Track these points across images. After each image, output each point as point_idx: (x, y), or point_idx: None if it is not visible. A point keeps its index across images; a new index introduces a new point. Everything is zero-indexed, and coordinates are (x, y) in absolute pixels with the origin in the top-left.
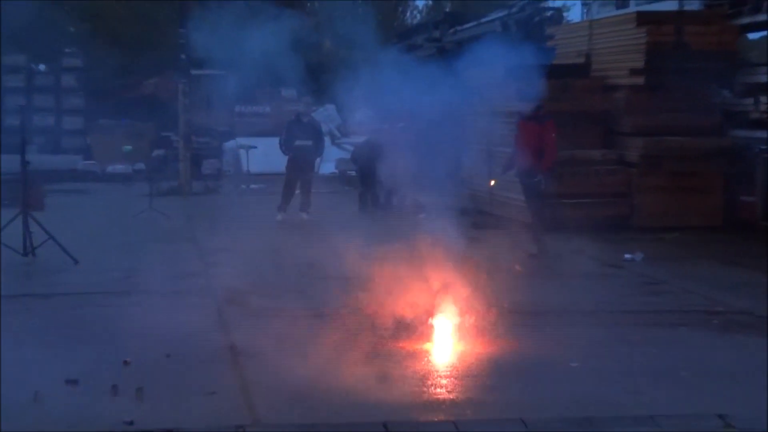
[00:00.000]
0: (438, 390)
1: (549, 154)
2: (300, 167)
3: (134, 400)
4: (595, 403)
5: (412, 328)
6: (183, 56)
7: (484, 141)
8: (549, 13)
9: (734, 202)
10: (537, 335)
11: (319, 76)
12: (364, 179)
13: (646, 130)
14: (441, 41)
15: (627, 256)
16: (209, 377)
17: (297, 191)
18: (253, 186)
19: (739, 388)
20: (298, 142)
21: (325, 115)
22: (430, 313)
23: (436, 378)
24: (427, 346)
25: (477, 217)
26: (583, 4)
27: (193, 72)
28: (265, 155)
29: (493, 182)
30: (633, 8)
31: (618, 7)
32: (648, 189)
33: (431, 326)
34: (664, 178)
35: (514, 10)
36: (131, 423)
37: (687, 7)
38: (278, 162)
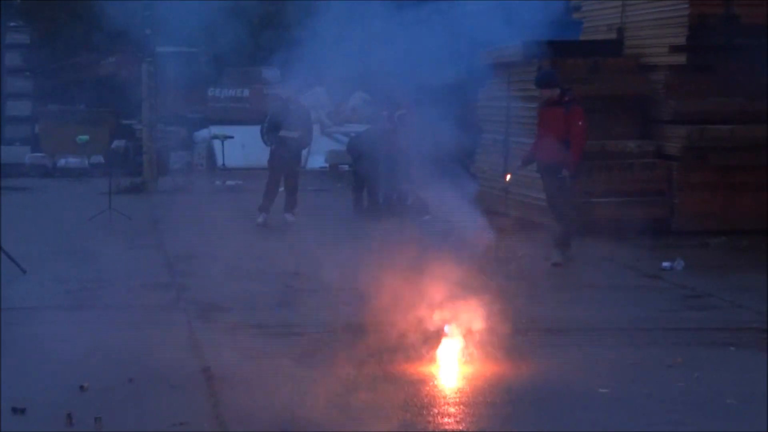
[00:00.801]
0: (445, 420)
1: (576, 145)
2: (284, 161)
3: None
4: None
5: (414, 348)
6: (148, 31)
7: (500, 130)
8: None
9: None
10: (560, 357)
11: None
12: (361, 175)
13: (689, 118)
14: None
15: (666, 264)
16: (178, 405)
17: (281, 189)
18: (229, 182)
19: None
20: (282, 133)
21: (313, 99)
22: (436, 332)
23: (443, 406)
24: (432, 368)
25: (491, 220)
26: None
27: (159, 49)
28: (242, 147)
29: (508, 177)
30: None
31: None
32: (691, 186)
33: (437, 346)
34: (710, 173)
35: None
36: None
37: None
38: (258, 155)
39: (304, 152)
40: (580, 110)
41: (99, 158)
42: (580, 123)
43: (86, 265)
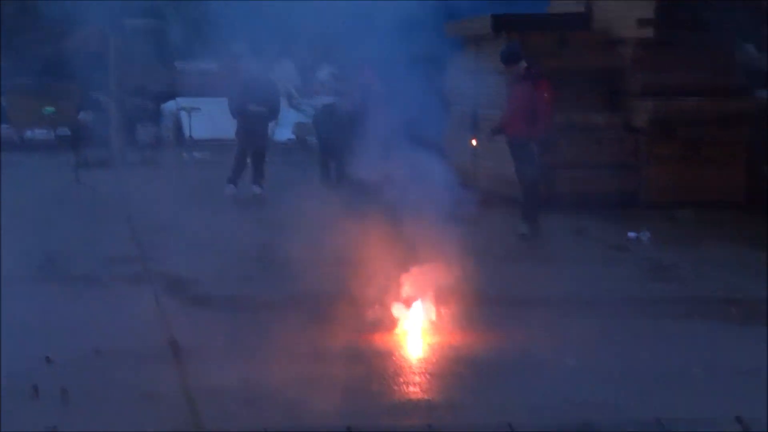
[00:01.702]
0: (411, 390)
1: (543, 118)
2: (252, 134)
3: (57, 404)
4: (595, 406)
5: (381, 320)
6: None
7: (469, 102)
8: None
9: (757, 175)
10: (527, 328)
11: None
12: (327, 147)
13: (657, 91)
14: None
15: (631, 234)
16: (145, 377)
17: (249, 161)
18: (196, 154)
19: (760, 387)
20: (250, 106)
21: (281, 73)
22: (402, 303)
23: (409, 376)
24: (399, 339)
25: (459, 192)
26: None
27: (126, 21)
28: (210, 119)
29: (474, 142)
30: None
31: None
32: (658, 159)
33: (403, 317)
34: (677, 146)
35: None
36: (54, 429)
37: None
38: (226, 127)
39: (271, 125)
40: (546, 83)
41: (65, 130)
42: (546, 96)
43: (53, 238)
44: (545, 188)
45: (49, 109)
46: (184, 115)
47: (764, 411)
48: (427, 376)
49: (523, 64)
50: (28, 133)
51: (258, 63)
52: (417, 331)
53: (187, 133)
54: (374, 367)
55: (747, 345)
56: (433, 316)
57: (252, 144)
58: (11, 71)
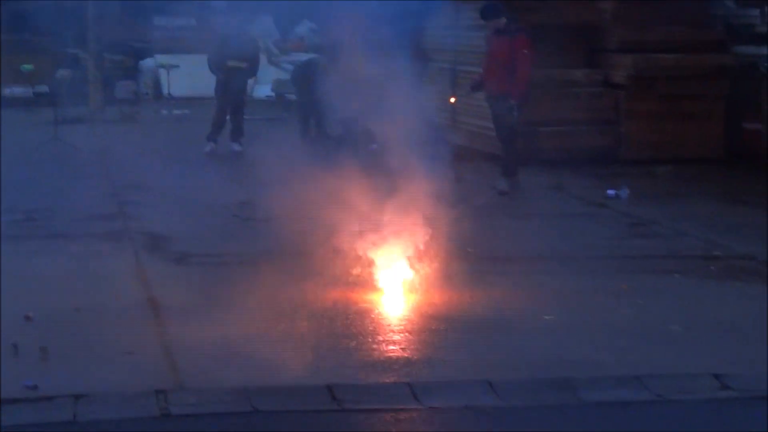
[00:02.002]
0: (390, 347)
1: (521, 74)
2: (231, 91)
3: (37, 362)
4: (573, 362)
5: (361, 277)
6: None
7: (448, 59)
8: None
9: (737, 130)
10: (506, 285)
11: None
12: (306, 104)
13: (636, 46)
14: None
15: (610, 192)
16: (125, 335)
17: (228, 118)
18: (175, 112)
19: (738, 344)
20: (229, 63)
21: (260, 29)
22: (381, 260)
23: (388, 333)
24: (378, 297)
25: (438, 149)
26: None
27: None
28: (189, 76)
29: (453, 100)
30: None
31: None
32: (637, 115)
33: (383, 274)
34: (656, 102)
35: None
36: (34, 387)
37: None
38: (205, 84)
39: (250, 81)
40: (525, 39)
41: (44, 87)
42: (525, 52)
43: (31, 195)
44: (524, 144)
45: (27, 66)
46: (162, 72)
47: (742, 368)
48: (406, 334)
49: (503, 19)
50: (6, 91)
51: (237, 18)
52: (395, 288)
53: (165, 90)
54: (353, 324)
55: (726, 302)
56: (412, 273)
57: (231, 101)
58: None
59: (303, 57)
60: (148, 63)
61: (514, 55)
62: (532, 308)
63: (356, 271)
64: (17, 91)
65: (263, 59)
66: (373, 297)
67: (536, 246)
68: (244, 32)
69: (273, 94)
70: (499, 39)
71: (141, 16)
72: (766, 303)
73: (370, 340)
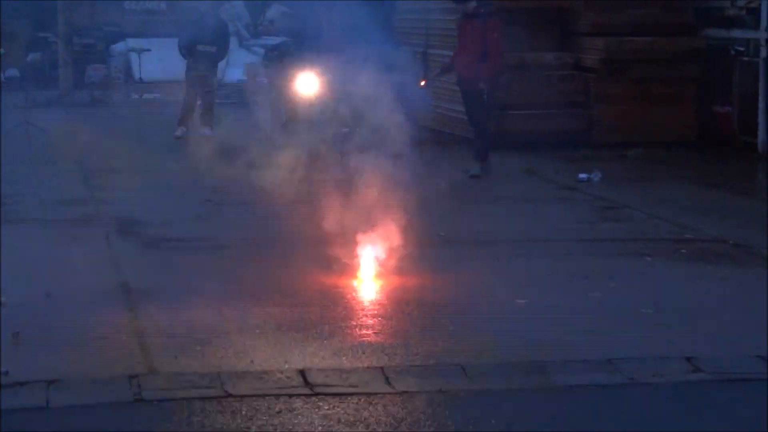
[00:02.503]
0: (363, 332)
1: (493, 57)
2: (201, 75)
3: (9, 347)
4: (545, 345)
5: (333, 261)
6: None
7: (420, 42)
8: None
9: (708, 113)
10: (478, 268)
11: None
12: (278, 87)
13: (607, 30)
14: None
15: (582, 176)
16: (97, 320)
17: (199, 102)
18: (146, 95)
19: (710, 326)
20: (199, 47)
21: (231, 12)
22: (354, 244)
23: (361, 318)
24: (351, 281)
25: (411, 132)
26: None
27: None
28: (160, 60)
29: (423, 83)
30: None
31: None
32: (609, 98)
33: (355, 259)
34: (628, 85)
35: None
36: (6, 373)
37: None
38: (175, 68)
39: (221, 65)
40: (496, 23)
41: (14, 71)
42: (496, 35)
43: (2, 180)
44: (496, 128)
45: None
46: (133, 55)
47: (714, 350)
48: (379, 318)
49: (473, 3)
50: None
51: (206, 2)
52: (368, 272)
53: (137, 74)
54: (325, 309)
55: (697, 285)
56: (384, 258)
57: (201, 85)
58: None
59: (275, 41)
60: (119, 47)
61: (486, 39)
62: (504, 292)
63: (329, 255)
64: None
65: (234, 43)
66: (346, 282)
67: (508, 230)
68: (214, 15)
69: (245, 78)
70: (470, 23)
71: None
72: (737, 285)
73: (343, 324)
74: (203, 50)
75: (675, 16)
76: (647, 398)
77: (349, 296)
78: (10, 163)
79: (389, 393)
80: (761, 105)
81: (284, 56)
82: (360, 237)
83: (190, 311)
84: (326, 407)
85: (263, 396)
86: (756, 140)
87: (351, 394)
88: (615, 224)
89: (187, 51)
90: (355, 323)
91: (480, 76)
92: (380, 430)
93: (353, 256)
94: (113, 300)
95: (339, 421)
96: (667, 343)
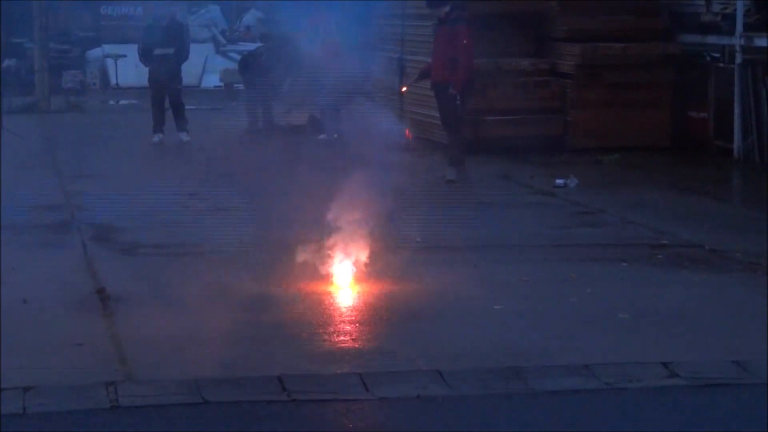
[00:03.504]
0: (341, 338)
1: (463, 64)
2: (163, 79)
3: None
4: (522, 351)
5: (310, 267)
6: None
7: (397, 48)
8: None
9: (683, 119)
10: (455, 274)
11: None
12: (254, 93)
13: (583, 36)
14: None
15: (559, 181)
16: (74, 326)
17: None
18: (122, 101)
19: (687, 332)
20: (157, 51)
21: (207, 17)
22: (331, 250)
23: (339, 324)
24: (328, 287)
25: (386, 138)
26: None
27: None
28: (136, 66)
29: (404, 89)
30: None
31: None
32: (584, 104)
33: (332, 265)
34: (603, 91)
35: None
36: None
37: None
38: None
39: (198, 71)
40: (464, 29)
41: None
42: (465, 42)
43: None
44: (472, 133)
45: None
46: (110, 62)
47: (690, 355)
48: (357, 324)
49: (446, 8)
50: None
51: (160, 4)
52: (345, 278)
53: (113, 79)
54: (303, 315)
55: (673, 290)
56: (362, 264)
57: (165, 89)
58: None
59: (251, 46)
60: (95, 53)
61: (456, 45)
62: (481, 297)
63: (306, 262)
64: None
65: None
66: (323, 288)
67: (485, 235)
68: (167, 17)
69: (221, 83)
70: (443, 28)
71: (88, 5)
72: (713, 290)
73: (320, 330)
74: (161, 53)
75: (650, 22)
76: (624, 403)
77: (326, 302)
78: None
79: (367, 399)
80: (736, 110)
81: (260, 62)
82: (336, 243)
83: (166, 318)
84: (304, 414)
85: (240, 402)
86: (731, 145)
87: (329, 401)
88: (591, 229)
89: (146, 57)
90: (332, 329)
91: (452, 82)
92: None
93: (330, 261)
94: (90, 306)
95: (317, 427)
96: (643, 349)
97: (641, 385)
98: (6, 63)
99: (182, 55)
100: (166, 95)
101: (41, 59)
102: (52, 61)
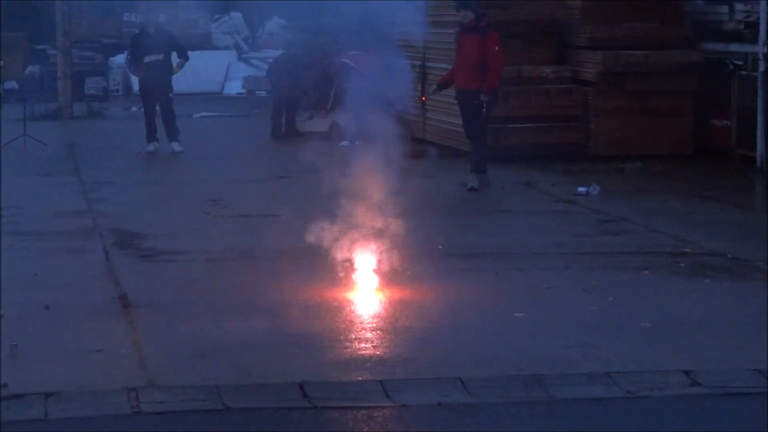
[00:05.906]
0: (362, 345)
1: (493, 71)
2: (154, 87)
3: (8, 359)
4: (544, 359)
5: (333, 275)
6: None
7: (419, 55)
8: None
9: (705, 127)
10: (477, 282)
11: None
12: (279, 100)
13: (605, 43)
14: None
15: (581, 189)
16: (96, 332)
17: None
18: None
19: (708, 340)
20: (147, 59)
21: (229, 24)
22: (353, 258)
23: (360, 331)
24: (350, 295)
25: (408, 145)
26: None
27: None
28: None
29: (424, 98)
30: None
31: None
32: (606, 111)
33: (354, 272)
34: (626, 98)
35: None
36: (5, 386)
37: None
38: (175, 80)
39: (221, 78)
40: (496, 36)
41: (13, 84)
42: (496, 49)
43: (1, 192)
44: (494, 141)
45: None
46: None
47: (712, 364)
48: (378, 332)
49: (471, 15)
50: None
51: (151, 15)
52: (367, 285)
53: (135, 86)
54: (324, 322)
55: (695, 298)
56: (383, 271)
57: (155, 98)
58: None
59: (273, 53)
60: (117, 59)
61: (486, 53)
62: (502, 305)
63: (328, 269)
64: None
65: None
66: (345, 295)
67: (506, 243)
68: (153, 25)
69: (244, 90)
70: (470, 36)
71: (111, 12)
72: (735, 299)
73: (342, 338)
74: (151, 61)
75: (673, 30)
76: (646, 412)
77: (347, 309)
78: (8, 176)
79: (388, 406)
80: (759, 119)
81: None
82: (359, 250)
83: (188, 324)
84: (325, 420)
85: (262, 409)
86: (754, 154)
87: (350, 408)
88: (613, 237)
89: (135, 67)
90: (354, 336)
91: (479, 90)
92: None
93: (352, 269)
94: (111, 312)
95: None
96: (665, 357)
97: (663, 394)
98: (29, 69)
99: (181, 55)
100: (159, 105)
101: (64, 66)
102: (74, 68)
